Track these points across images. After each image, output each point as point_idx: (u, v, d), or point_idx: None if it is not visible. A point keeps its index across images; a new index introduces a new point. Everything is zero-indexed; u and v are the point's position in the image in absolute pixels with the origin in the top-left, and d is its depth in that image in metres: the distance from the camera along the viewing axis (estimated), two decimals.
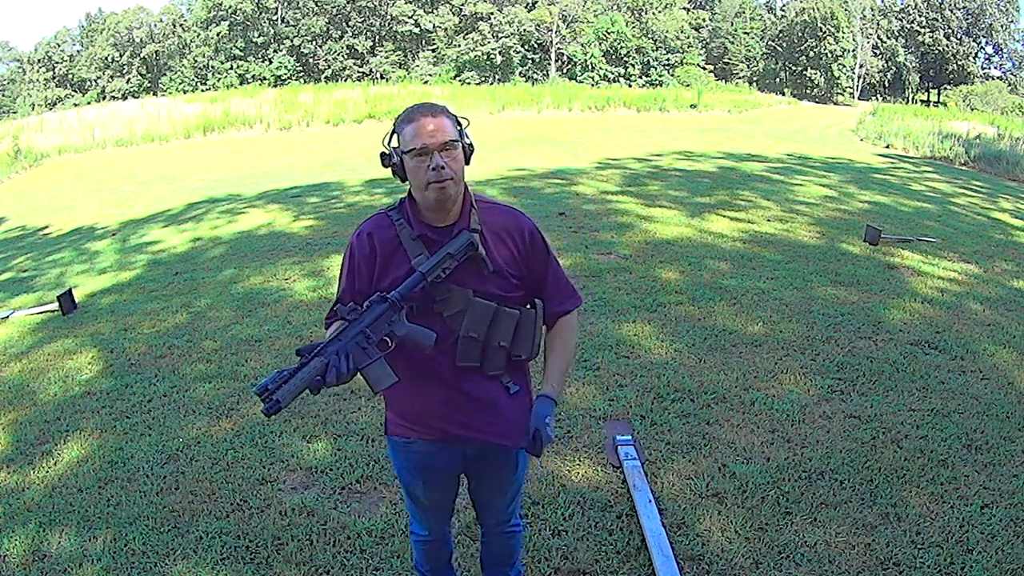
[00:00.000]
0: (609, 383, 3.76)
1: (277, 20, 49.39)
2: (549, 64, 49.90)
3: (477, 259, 1.64)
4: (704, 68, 51.23)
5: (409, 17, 48.75)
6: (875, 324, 4.55)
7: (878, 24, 55.79)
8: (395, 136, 1.64)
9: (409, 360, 1.66)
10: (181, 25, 51.89)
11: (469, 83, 42.40)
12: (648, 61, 48.69)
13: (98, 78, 51.28)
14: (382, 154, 1.66)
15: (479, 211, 1.69)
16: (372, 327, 1.53)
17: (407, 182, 1.65)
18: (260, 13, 48.69)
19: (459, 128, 1.63)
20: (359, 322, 1.53)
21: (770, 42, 54.29)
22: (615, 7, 50.80)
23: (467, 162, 1.65)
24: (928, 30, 53.65)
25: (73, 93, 51.21)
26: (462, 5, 48.48)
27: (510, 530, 2.07)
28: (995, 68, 56.19)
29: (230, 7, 47.33)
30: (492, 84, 40.63)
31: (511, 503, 2.00)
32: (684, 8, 53.09)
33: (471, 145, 1.65)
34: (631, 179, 10.21)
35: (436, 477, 1.87)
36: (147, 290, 5.96)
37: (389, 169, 1.66)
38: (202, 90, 42.43)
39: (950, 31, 53.32)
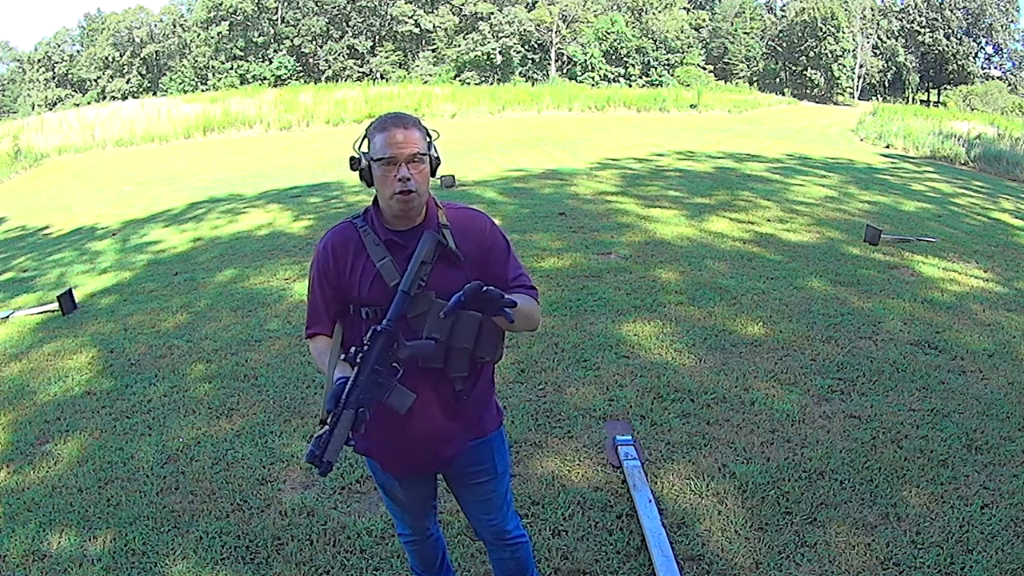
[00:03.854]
0: (609, 383, 3.76)
1: (277, 20, 49.39)
2: (549, 64, 49.91)
3: (448, 255, 1.66)
4: (704, 68, 51.24)
5: (409, 17, 48.76)
6: (875, 324, 4.55)
7: (878, 24, 55.78)
8: (366, 142, 1.66)
9: None
10: (181, 25, 51.88)
11: (469, 83, 42.41)
12: (648, 61, 48.71)
13: (98, 78, 51.28)
14: (351, 158, 1.68)
15: (444, 210, 1.73)
16: (378, 361, 1.56)
17: (373, 187, 1.67)
18: (260, 13, 48.70)
19: (428, 140, 1.66)
20: (366, 362, 1.55)
21: (770, 42, 54.28)
22: (615, 7, 50.81)
23: (432, 174, 1.68)
24: (928, 30, 53.65)
25: (73, 93, 51.21)
26: (462, 5, 48.49)
27: (513, 542, 2.00)
28: (995, 68, 56.20)
29: (230, 7, 47.33)
30: (492, 84, 40.65)
31: (499, 511, 1.95)
32: (684, 8, 53.12)
33: (438, 158, 1.68)
34: (631, 179, 10.21)
35: (410, 480, 1.88)
36: (147, 290, 5.96)
37: (357, 173, 1.69)
38: (202, 90, 42.46)
39: (950, 31, 53.32)
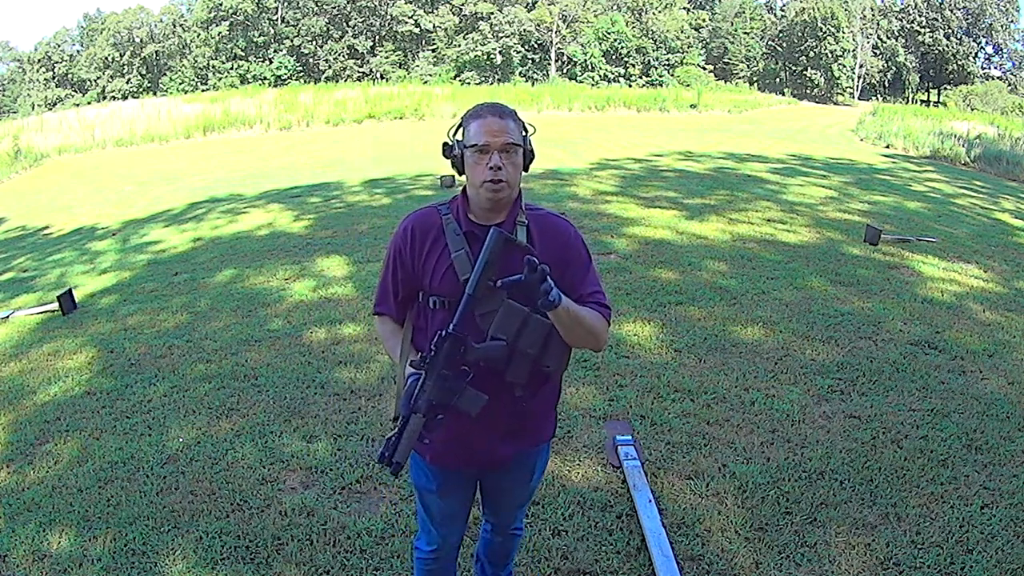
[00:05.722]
0: (609, 383, 3.76)
1: (277, 20, 49.40)
2: (549, 64, 49.90)
3: (519, 251, 1.58)
4: (704, 68, 51.25)
5: (409, 17, 48.76)
6: (875, 324, 4.55)
7: (878, 24, 55.78)
8: (460, 130, 1.65)
9: None
10: (181, 25, 51.88)
11: (469, 83, 42.42)
12: (648, 61, 48.71)
13: (98, 78, 51.27)
14: (444, 144, 1.66)
15: (526, 212, 1.70)
16: (446, 366, 1.54)
17: (463, 175, 1.65)
18: (260, 13, 48.70)
19: (524, 134, 1.64)
20: (434, 367, 1.54)
21: (770, 42, 54.29)
22: (615, 7, 50.82)
23: (525, 169, 1.67)
24: (928, 30, 53.65)
25: (73, 93, 51.20)
26: (462, 5, 48.50)
27: (513, 532, 2.07)
28: (995, 68, 56.22)
29: (230, 7, 47.34)
30: (492, 84, 40.68)
31: (521, 508, 2.01)
32: (684, 8, 53.12)
33: (532, 152, 1.66)
34: (630, 179, 10.21)
35: (452, 483, 1.84)
36: (147, 290, 5.96)
37: (449, 160, 1.67)
38: (202, 90, 42.44)
39: (950, 31, 53.32)
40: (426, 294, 1.68)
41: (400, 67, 49.58)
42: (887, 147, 18.09)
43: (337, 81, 41.39)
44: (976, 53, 54.72)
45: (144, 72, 51.29)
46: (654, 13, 50.21)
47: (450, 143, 1.66)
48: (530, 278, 1.46)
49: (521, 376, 1.62)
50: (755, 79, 52.66)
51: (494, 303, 1.58)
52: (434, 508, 1.89)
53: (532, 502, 2.77)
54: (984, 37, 54.35)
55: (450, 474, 1.82)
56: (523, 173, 1.66)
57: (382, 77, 46.41)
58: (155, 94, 42.13)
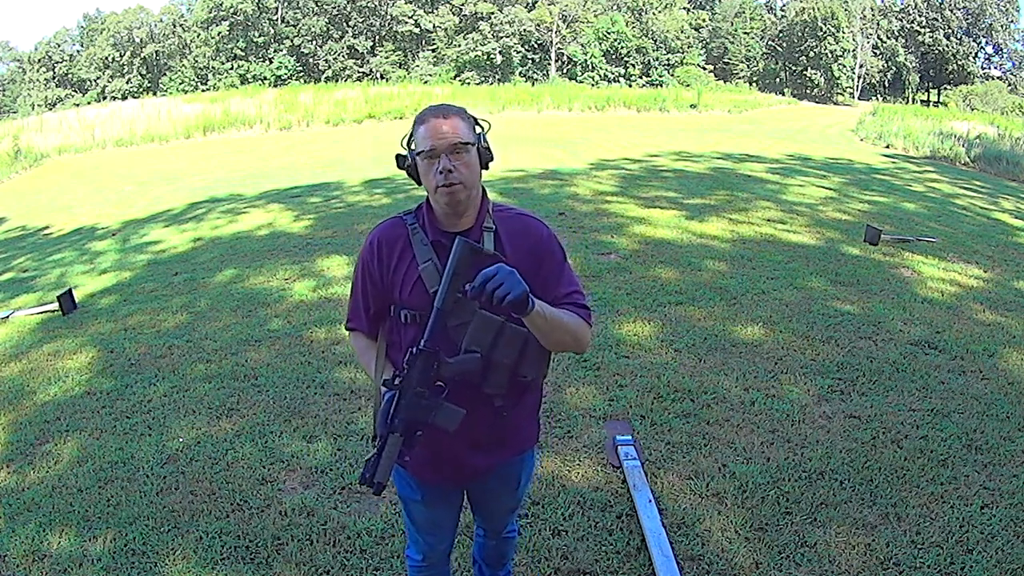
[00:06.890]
0: (609, 383, 3.76)
1: (277, 20, 49.41)
2: (549, 64, 49.91)
3: (488, 259, 1.51)
4: (704, 68, 51.26)
5: (409, 17, 48.77)
6: (875, 324, 4.55)
7: (878, 24, 55.79)
8: (411, 137, 1.60)
9: None
10: (181, 25, 51.89)
11: (469, 83, 42.42)
12: (648, 61, 48.73)
13: (98, 78, 51.28)
14: (398, 155, 1.62)
15: (494, 216, 1.64)
16: (420, 383, 1.51)
17: (422, 184, 1.60)
18: (260, 13, 48.71)
19: (477, 131, 1.58)
20: (408, 384, 1.50)
21: (770, 42, 54.29)
22: (615, 7, 50.83)
23: (484, 167, 1.60)
24: (928, 30, 53.67)
25: (73, 93, 51.20)
26: (462, 5, 48.51)
27: (506, 536, 2.06)
28: (995, 68, 56.25)
29: (230, 7, 47.35)
30: (492, 84, 40.64)
31: (511, 514, 1.99)
32: (684, 8, 53.14)
33: (488, 149, 1.59)
34: (630, 179, 10.21)
35: (436, 494, 1.81)
36: (147, 290, 5.96)
37: (405, 171, 1.62)
38: (202, 90, 42.45)
39: (950, 31, 53.34)
40: (397, 307, 1.64)
41: (400, 67, 49.59)
42: (887, 147, 18.09)
43: (337, 81, 41.39)
44: (976, 53, 54.75)
45: (144, 72, 51.29)
46: (654, 13, 50.22)
47: (403, 153, 1.60)
48: (473, 292, 1.42)
49: (500, 387, 1.58)
50: (755, 79, 52.67)
51: (466, 314, 1.53)
52: (420, 518, 1.86)
53: (532, 502, 2.78)
54: (984, 37, 54.37)
55: (432, 487, 1.79)
56: (483, 172, 1.61)
57: (382, 77, 46.42)
58: (155, 94, 42.13)
